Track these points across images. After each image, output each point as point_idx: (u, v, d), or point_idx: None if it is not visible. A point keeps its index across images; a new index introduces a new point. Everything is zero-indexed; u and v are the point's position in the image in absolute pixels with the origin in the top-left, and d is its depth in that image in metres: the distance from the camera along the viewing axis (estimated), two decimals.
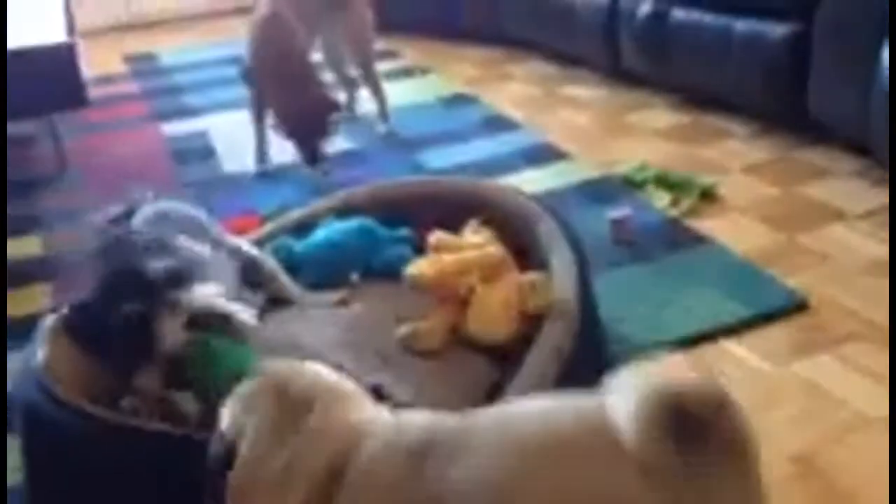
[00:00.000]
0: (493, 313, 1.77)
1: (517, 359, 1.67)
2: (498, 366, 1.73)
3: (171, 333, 1.45)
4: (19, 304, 2.36)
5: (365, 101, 3.52)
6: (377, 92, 3.37)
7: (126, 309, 1.44)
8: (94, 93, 3.59)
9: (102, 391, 1.53)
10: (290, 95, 2.79)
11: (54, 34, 3.14)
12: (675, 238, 2.42)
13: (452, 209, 2.14)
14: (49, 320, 1.62)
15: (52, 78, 3.05)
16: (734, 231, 2.44)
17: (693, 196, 2.60)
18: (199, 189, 2.94)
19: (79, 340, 1.53)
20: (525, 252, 1.98)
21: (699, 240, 2.40)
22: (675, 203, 2.60)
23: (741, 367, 1.89)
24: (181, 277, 1.48)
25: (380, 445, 1.12)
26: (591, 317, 1.82)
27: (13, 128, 3.49)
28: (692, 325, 2.02)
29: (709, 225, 2.48)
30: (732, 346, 1.96)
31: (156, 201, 1.96)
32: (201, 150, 3.32)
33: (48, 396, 1.47)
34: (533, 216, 2.01)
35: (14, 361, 1.80)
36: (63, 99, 3.13)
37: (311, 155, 2.83)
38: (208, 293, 1.50)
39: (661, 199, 2.63)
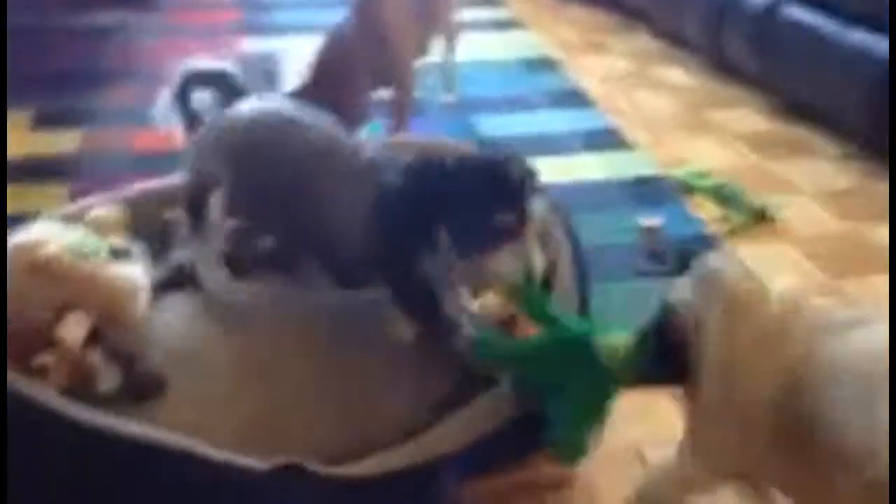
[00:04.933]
0: None
1: None
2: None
3: None
4: (23, 200, 2.28)
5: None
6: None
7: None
8: None
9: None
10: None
11: None
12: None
13: None
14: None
15: None
16: (776, 263, 2.21)
17: (742, 215, 2.36)
18: None
19: None
20: None
21: None
22: (726, 219, 2.38)
23: None
24: None
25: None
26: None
27: (89, 18, 3.53)
28: None
29: (751, 251, 2.24)
30: None
31: None
32: (265, 71, 3.25)
33: None
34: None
35: None
36: None
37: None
38: None
39: (709, 212, 2.41)
